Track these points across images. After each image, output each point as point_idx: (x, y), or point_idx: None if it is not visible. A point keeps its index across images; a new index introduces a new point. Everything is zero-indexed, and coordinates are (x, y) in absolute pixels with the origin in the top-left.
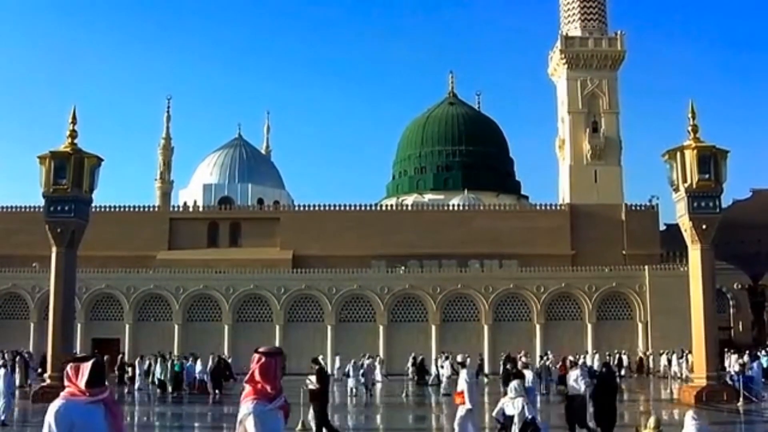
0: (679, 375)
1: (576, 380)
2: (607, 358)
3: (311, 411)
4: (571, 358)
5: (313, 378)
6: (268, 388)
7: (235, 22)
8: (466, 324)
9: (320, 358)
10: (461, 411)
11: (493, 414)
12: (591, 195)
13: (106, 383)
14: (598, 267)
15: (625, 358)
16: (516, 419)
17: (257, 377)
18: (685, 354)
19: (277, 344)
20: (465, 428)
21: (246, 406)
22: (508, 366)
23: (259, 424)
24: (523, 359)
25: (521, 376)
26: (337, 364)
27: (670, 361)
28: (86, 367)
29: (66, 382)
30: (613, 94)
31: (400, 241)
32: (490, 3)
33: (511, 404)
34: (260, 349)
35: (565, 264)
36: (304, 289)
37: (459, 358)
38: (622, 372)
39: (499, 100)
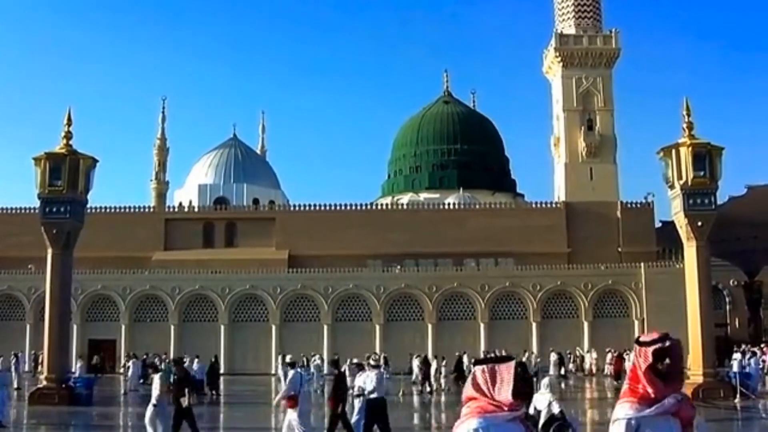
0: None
1: (374, 382)
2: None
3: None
4: (372, 361)
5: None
6: (650, 390)
7: (229, 22)
8: (462, 323)
9: (291, 357)
10: (290, 414)
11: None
12: (586, 193)
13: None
14: (594, 264)
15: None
16: (543, 413)
17: (636, 374)
18: (612, 352)
19: (273, 344)
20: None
21: (620, 407)
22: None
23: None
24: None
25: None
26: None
27: (583, 358)
28: (508, 371)
29: (471, 392)
30: (607, 92)
31: (396, 241)
32: (484, 1)
33: (542, 399)
34: (640, 339)
35: (561, 262)
36: (300, 288)
37: (287, 359)
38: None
39: (494, 99)
